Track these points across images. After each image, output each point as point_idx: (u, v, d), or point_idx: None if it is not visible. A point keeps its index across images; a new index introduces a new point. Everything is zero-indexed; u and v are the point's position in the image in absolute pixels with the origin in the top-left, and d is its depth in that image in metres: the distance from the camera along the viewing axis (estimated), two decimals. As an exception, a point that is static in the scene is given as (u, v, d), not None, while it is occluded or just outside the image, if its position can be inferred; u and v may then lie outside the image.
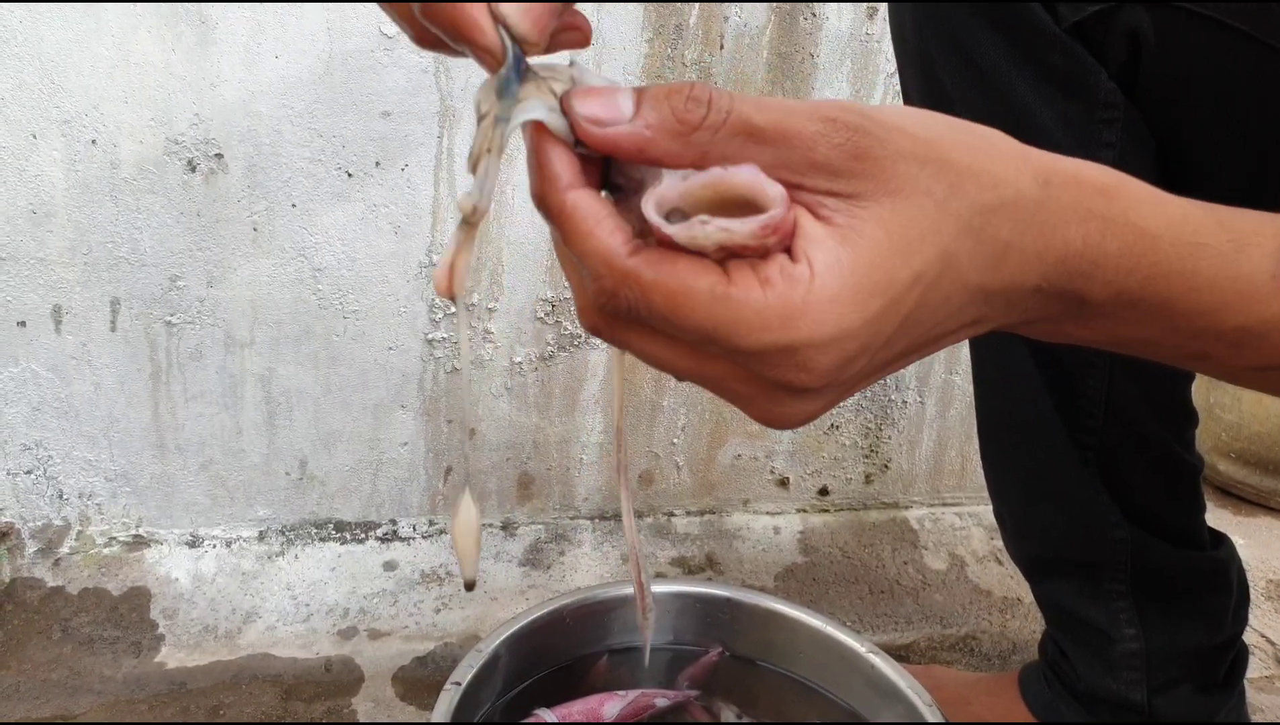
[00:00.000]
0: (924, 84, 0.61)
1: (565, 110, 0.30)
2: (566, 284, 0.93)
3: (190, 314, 0.87)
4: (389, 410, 0.94)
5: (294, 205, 0.86)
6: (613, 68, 0.87)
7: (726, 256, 0.30)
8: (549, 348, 0.95)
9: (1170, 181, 0.60)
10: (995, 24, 0.56)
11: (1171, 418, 0.67)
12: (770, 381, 0.31)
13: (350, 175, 0.86)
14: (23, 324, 0.84)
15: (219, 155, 0.83)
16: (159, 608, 0.89)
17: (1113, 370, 0.64)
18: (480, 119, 0.31)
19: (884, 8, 0.90)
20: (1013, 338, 0.64)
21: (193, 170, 0.83)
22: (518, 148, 0.88)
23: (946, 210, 0.31)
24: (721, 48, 0.88)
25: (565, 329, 0.94)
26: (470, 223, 0.32)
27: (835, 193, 0.30)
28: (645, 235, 0.30)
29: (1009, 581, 1.00)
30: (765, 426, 0.33)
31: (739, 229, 0.29)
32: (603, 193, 0.32)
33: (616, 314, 0.31)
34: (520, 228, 0.90)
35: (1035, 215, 0.33)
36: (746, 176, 0.29)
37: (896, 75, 0.92)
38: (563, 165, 0.31)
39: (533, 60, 0.31)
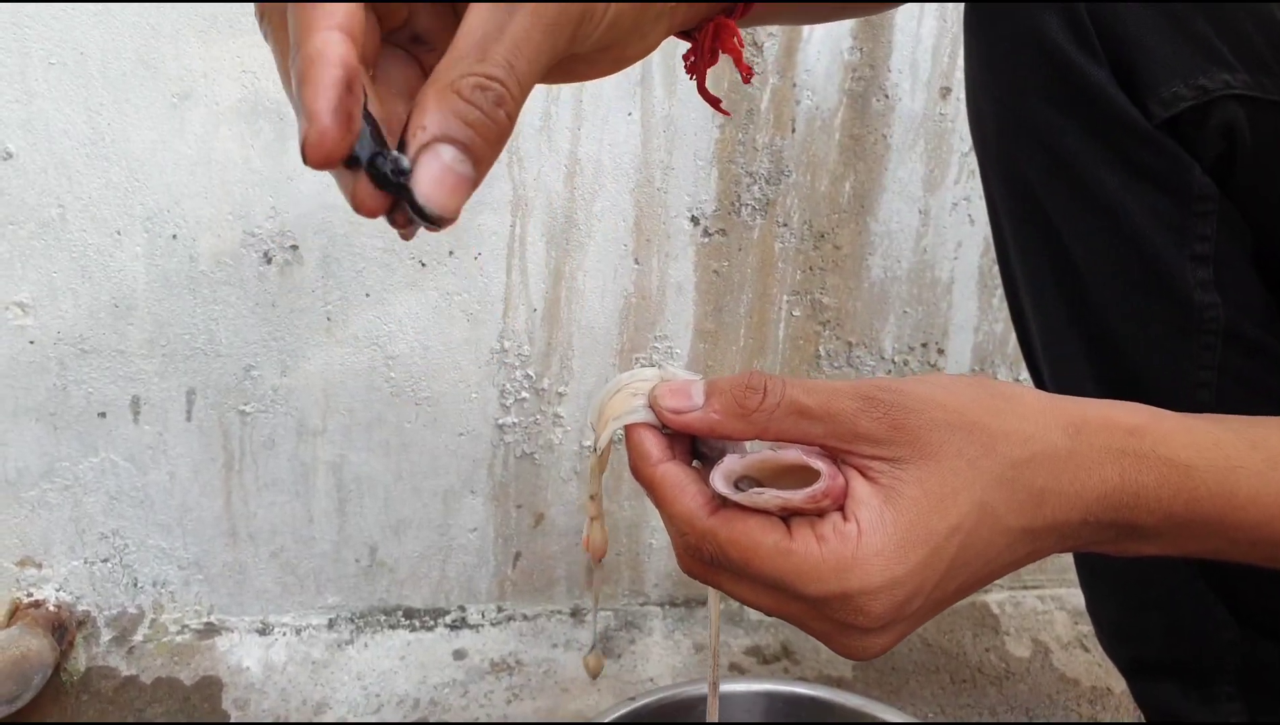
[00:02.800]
0: (1008, 184, 0.60)
1: (652, 405, 0.38)
2: (636, 368, 0.92)
3: (264, 403, 0.88)
4: (459, 496, 0.93)
5: (368, 295, 0.86)
6: (684, 154, 0.87)
7: (790, 514, 0.35)
8: (619, 431, 0.94)
9: (1266, 273, 0.58)
10: (1083, 122, 0.55)
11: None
12: (837, 622, 0.36)
13: (424, 264, 0.86)
14: (103, 415, 0.85)
15: (294, 247, 0.84)
16: (230, 698, 0.88)
17: None
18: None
19: (958, 88, 0.89)
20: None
21: (268, 262, 0.84)
22: (589, 230, 0.88)
23: (979, 468, 0.36)
24: (793, 131, 0.88)
25: (635, 412, 0.93)
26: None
27: (879, 457, 0.35)
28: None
29: (1097, 670, 0.96)
30: (845, 658, 0.38)
31: (791, 498, 0.35)
32: (695, 462, 0.39)
33: (703, 562, 0.37)
34: (589, 312, 0.90)
35: (1068, 462, 0.37)
36: (792, 456, 0.36)
37: (970, 155, 0.91)
38: (652, 445, 0.38)
39: (630, 373, 0.40)
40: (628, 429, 0.39)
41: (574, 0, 0.31)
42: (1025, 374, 0.99)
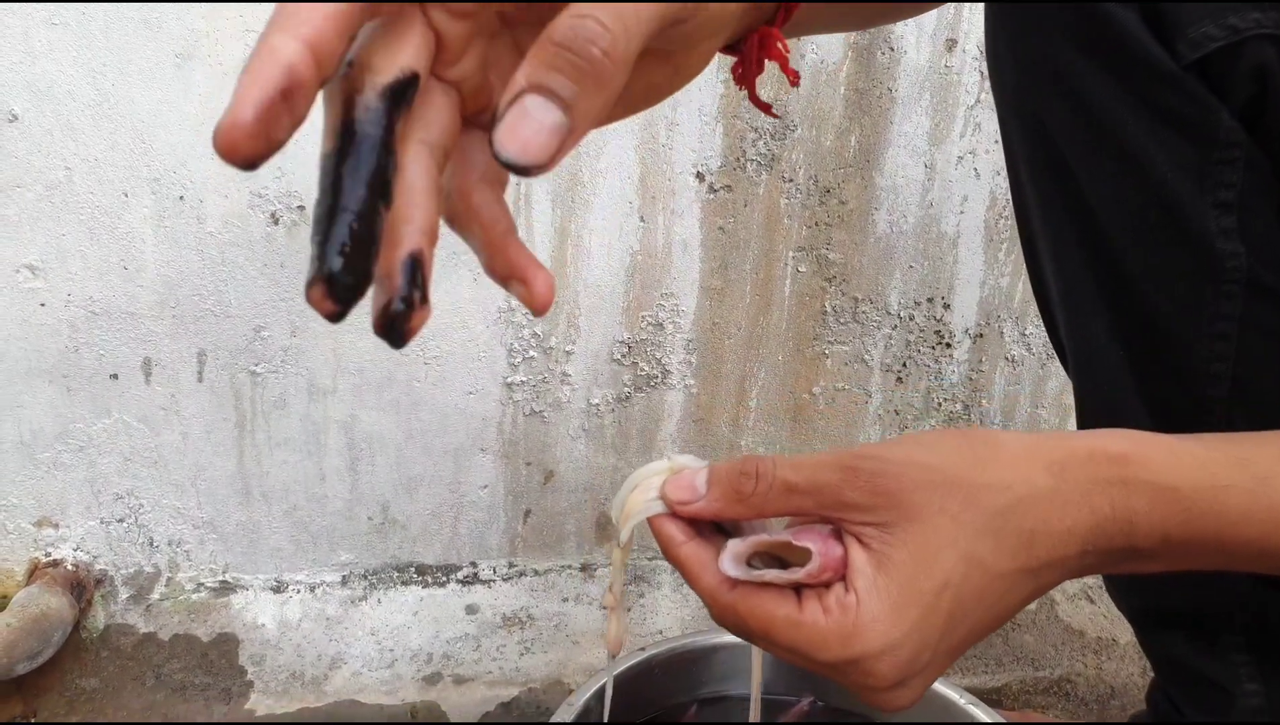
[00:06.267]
0: (1026, 130, 0.59)
1: (663, 498, 0.41)
2: (643, 325, 0.93)
3: (274, 363, 0.88)
4: (469, 454, 0.94)
5: (375, 254, 0.86)
6: (689, 110, 0.86)
7: (800, 586, 0.38)
8: (625, 389, 0.95)
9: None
10: (1107, 64, 0.54)
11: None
12: (854, 682, 0.38)
13: (429, 223, 0.86)
14: (115, 377, 0.86)
15: (301, 207, 0.84)
16: (247, 654, 0.90)
17: (1230, 413, 0.61)
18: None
19: (964, 40, 0.88)
20: (1120, 387, 0.61)
21: (276, 223, 0.85)
22: (596, 194, 0.88)
23: (961, 522, 0.37)
24: (797, 86, 0.87)
25: (641, 370, 0.94)
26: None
27: (869, 523, 0.37)
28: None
29: (1102, 621, 0.97)
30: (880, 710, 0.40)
31: (791, 577, 0.38)
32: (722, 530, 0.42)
33: (730, 627, 0.40)
34: (596, 271, 0.90)
35: (1053, 500, 0.38)
36: (784, 537, 0.39)
37: (976, 108, 0.91)
38: (674, 530, 0.40)
39: (642, 469, 0.42)
40: (650, 521, 0.42)
41: None
42: (1031, 327, 0.99)
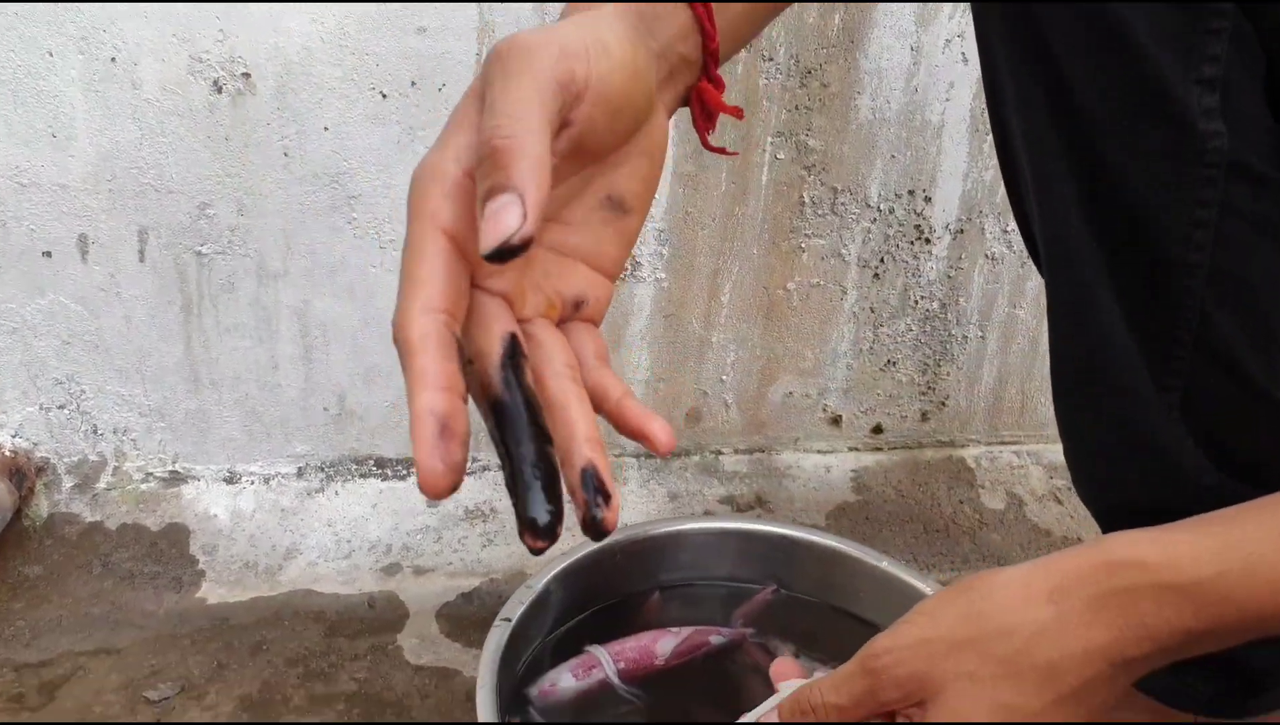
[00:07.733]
0: (1002, 4, 0.55)
1: None
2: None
3: (221, 244, 0.83)
4: (428, 344, 0.90)
5: (326, 128, 0.81)
6: None
7: None
8: None
9: (1276, 103, 0.54)
10: None
11: (1273, 355, 0.62)
12: None
13: (385, 96, 0.81)
14: (48, 254, 0.81)
15: (246, 75, 0.79)
16: (198, 544, 0.87)
17: (1205, 304, 0.59)
18: None
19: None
20: (1093, 281, 0.59)
21: (219, 91, 0.79)
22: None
23: (979, 678, 0.41)
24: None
25: (610, 259, 0.90)
26: None
27: (910, 705, 0.42)
28: None
29: (1069, 521, 0.97)
30: None
31: None
32: None
33: None
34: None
35: (1062, 629, 0.40)
36: None
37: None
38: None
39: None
40: None
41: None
42: (1013, 225, 0.96)
